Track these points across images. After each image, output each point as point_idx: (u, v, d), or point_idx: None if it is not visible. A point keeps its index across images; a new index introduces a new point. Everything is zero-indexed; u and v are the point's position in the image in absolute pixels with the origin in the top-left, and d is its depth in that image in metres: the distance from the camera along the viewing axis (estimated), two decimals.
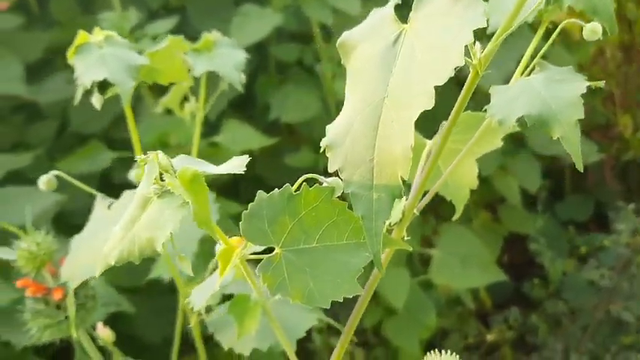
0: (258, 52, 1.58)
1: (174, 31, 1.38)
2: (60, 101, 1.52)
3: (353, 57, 0.41)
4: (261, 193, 0.40)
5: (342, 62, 0.42)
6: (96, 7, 1.58)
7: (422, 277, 1.65)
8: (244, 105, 1.68)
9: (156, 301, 1.42)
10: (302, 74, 1.60)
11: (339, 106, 1.38)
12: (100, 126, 1.50)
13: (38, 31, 1.50)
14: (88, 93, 1.56)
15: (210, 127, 1.39)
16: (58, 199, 1.15)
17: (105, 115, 1.51)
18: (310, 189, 0.40)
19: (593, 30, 0.46)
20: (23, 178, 1.36)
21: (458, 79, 0.39)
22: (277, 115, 1.53)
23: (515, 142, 1.90)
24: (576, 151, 0.42)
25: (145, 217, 0.37)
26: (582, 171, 0.41)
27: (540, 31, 0.49)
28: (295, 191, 0.40)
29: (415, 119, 0.35)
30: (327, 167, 1.33)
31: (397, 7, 0.41)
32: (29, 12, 1.58)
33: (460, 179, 0.58)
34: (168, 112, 1.46)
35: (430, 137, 0.53)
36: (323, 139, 0.40)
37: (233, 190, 1.81)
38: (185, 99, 0.74)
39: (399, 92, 0.37)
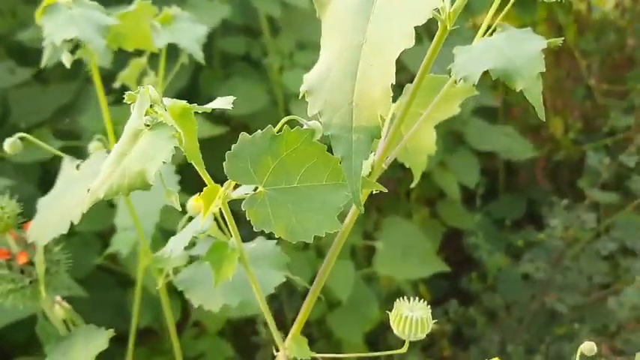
0: (204, 44, 1.58)
1: None
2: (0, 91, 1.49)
3: (328, 8, 0.42)
4: (244, 135, 0.41)
5: (317, 15, 0.44)
6: None
7: (365, 270, 1.67)
8: (188, 98, 1.67)
9: (101, 294, 1.40)
10: (248, 68, 1.61)
11: (286, 99, 1.40)
12: (42, 117, 1.47)
13: None
14: (37, 78, 1.52)
15: None
16: (7, 184, 1.13)
17: (47, 106, 1.48)
18: (291, 130, 0.42)
19: None
20: None
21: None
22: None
23: (454, 138, 1.95)
24: (538, 101, 0.44)
25: (136, 150, 0.37)
26: (544, 119, 0.43)
27: None
28: (277, 132, 0.41)
29: (395, 58, 0.37)
30: None
31: None
32: None
33: (419, 144, 0.60)
34: (116, 102, 1.45)
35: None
36: (301, 86, 0.41)
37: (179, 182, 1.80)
38: (143, 73, 0.74)
39: (377, 36, 0.38)
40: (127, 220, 0.65)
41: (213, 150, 1.59)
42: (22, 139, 0.63)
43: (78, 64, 1.44)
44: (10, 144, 0.63)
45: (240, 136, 0.41)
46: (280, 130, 0.42)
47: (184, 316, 1.48)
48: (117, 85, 0.74)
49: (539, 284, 1.92)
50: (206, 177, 0.39)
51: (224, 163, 0.40)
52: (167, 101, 0.38)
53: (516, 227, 2.09)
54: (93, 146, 0.71)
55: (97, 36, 0.55)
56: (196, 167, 0.37)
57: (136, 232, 0.64)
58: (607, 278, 1.93)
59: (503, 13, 0.51)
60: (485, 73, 0.47)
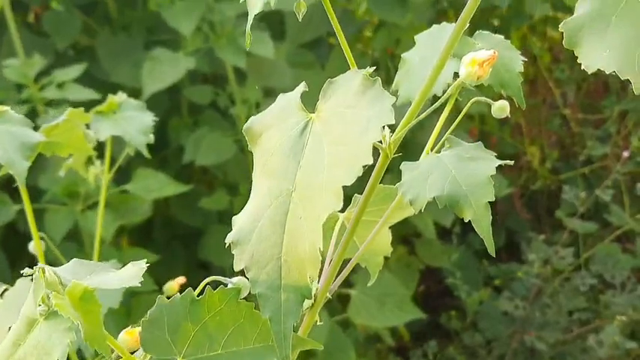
0: (171, 93, 1.55)
1: (84, 75, 1.34)
2: None
3: (259, 144, 0.39)
4: (161, 299, 0.38)
5: (249, 147, 0.41)
6: (1, 50, 1.52)
7: (341, 316, 1.64)
8: (157, 147, 1.64)
9: None
10: (216, 116, 1.58)
11: None
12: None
13: None
14: None
15: (122, 174, 1.35)
16: None
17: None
18: (214, 292, 0.38)
19: (501, 108, 0.46)
20: None
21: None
22: (191, 157, 1.50)
23: None
24: (488, 234, 0.42)
25: (31, 341, 0.34)
26: (494, 256, 0.40)
27: (449, 105, 0.49)
28: (198, 295, 0.38)
29: (323, 220, 0.34)
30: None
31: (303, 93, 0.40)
32: None
33: (375, 247, 0.57)
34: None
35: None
36: (228, 235, 0.38)
37: (146, 233, 1.77)
38: (90, 160, 0.71)
39: (306, 187, 0.36)
40: None
41: (181, 201, 1.57)
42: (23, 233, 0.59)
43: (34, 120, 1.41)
44: None
45: (157, 299, 0.38)
46: (202, 291, 0.38)
47: None
48: (62, 173, 0.71)
49: (519, 321, 1.90)
50: (123, 353, 0.36)
51: (138, 332, 0.37)
52: (68, 276, 0.34)
53: (495, 258, 2.08)
54: (32, 246, 0.67)
55: (19, 158, 0.51)
56: (102, 352, 0.33)
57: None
58: (587, 314, 1.92)
59: (454, 125, 0.48)
60: None
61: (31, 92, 1.20)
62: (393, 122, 0.34)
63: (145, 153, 0.66)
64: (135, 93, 1.52)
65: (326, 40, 1.98)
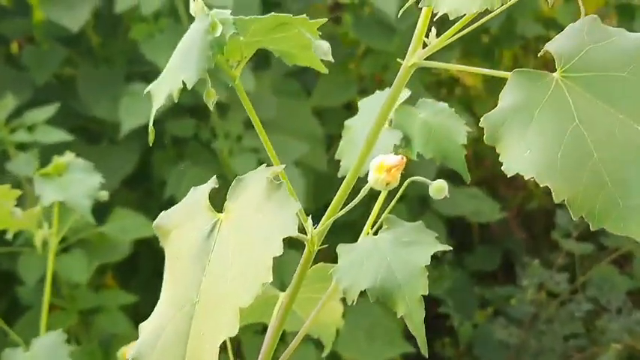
0: (155, 125, 1.53)
1: (62, 109, 1.32)
2: None
3: (168, 243, 0.37)
4: None
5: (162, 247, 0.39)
6: None
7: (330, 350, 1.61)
8: (140, 180, 1.62)
9: None
10: (199, 150, 1.56)
11: None
12: None
13: None
14: None
15: (101, 211, 1.33)
16: None
17: None
18: None
19: (438, 188, 0.43)
20: None
21: None
22: (173, 192, 1.48)
23: (420, 203, 1.90)
24: (421, 332, 0.39)
25: None
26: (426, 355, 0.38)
27: (385, 192, 0.47)
28: None
29: (220, 342, 0.31)
30: None
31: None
32: None
33: (325, 319, 0.55)
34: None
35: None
36: (133, 347, 0.35)
37: (131, 266, 1.74)
38: (38, 224, 0.69)
39: (210, 299, 0.33)
40: None
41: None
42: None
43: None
44: None
45: None
46: None
47: None
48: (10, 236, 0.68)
49: (514, 348, 1.87)
50: None
51: None
52: None
53: (491, 279, 2.06)
54: None
55: None
56: None
57: None
58: (583, 340, 1.89)
59: (392, 205, 0.46)
60: None
61: (2, 135, 1.17)
62: (295, 234, 0.32)
63: (90, 218, 0.64)
64: (115, 127, 1.51)
65: (310, 69, 1.96)
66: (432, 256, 1.52)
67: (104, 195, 0.68)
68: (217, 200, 0.47)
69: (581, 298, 1.93)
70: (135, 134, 1.43)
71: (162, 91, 0.41)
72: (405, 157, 0.36)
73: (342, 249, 0.44)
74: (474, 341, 1.97)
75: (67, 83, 1.63)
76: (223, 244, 0.34)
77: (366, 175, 0.39)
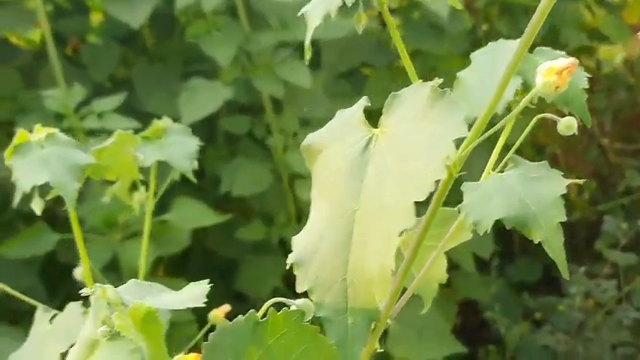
0: (207, 123, 1.55)
1: (121, 105, 1.34)
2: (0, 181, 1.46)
3: (318, 162, 0.38)
4: (223, 322, 0.36)
5: (307, 166, 0.39)
6: (40, 81, 1.54)
7: (379, 350, 1.61)
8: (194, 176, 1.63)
9: None
10: (252, 146, 1.57)
11: (290, 178, 1.36)
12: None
13: None
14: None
15: (160, 203, 1.34)
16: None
17: (46, 193, 1.45)
18: (278, 314, 0.37)
19: (567, 125, 0.44)
20: None
21: None
22: (228, 188, 1.49)
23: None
24: (560, 256, 0.40)
25: None
26: (567, 278, 0.38)
27: (510, 124, 0.48)
28: (262, 317, 0.36)
29: (396, 237, 0.32)
30: (280, 241, 1.28)
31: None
32: None
33: (430, 274, 0.55)
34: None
35: None
36: (290, 255, 0.36)
37: (181, 264, 1.76)
38: (134, 186, 0.70)
39: (372, 205, 0.34)
40: None
41: (217, 232, 1.55)
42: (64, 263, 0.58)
43: None
44: None
45: (218, 326, 0.36)
46: (265, 314, 0.37)
47: None
48: (106, 199, 0.70)
49: (561, 356, 1.85)
50: None
51: (201, 357, 0.35)
52: (127, 295, 0.33)
53: (534, 291, 2.04)
54: (78, 272, 0.66)
55: (69, 179, 0.51)
56: None
57: None
58: (631, 348, 1.86)
59: (516, 146, 0.46)
60: None
61: (72, 122, 1.20)
62: (466, 135, 0.33)
63: (192, 178, 0.65)
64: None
65: (360, 70, 1.98)
66: (478, 262, 1.51)
67: (195, 165, 0.69)
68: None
69: (628, 306, 1.91)
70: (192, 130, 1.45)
71: (317, 11, 0.41)
72: (576, 60, 0.36)
73: (467, 187, 0.45)
74: (519, 349, 1.96)
75: (122, 82, 1.66)
76: (382, 155, 0.35)
77: None
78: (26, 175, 0.50)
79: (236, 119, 1.55)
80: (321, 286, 0.34)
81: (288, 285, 1.73)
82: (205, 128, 1.59)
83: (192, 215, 1.25)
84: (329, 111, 1.42)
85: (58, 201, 1.48)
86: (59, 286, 1.50)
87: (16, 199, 0.54)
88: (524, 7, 2.14)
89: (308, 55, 0.43)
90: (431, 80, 0.41)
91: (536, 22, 0.38)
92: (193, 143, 0.66)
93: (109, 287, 0.34)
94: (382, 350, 1.40)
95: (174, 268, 1.60)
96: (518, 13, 2.14)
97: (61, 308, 1.59)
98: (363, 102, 0.38)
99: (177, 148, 0.65)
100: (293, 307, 0.37)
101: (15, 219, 1.53)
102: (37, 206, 0.56)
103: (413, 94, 0.36)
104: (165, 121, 0.68)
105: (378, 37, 1.91)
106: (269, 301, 0.37)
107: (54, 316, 0.52)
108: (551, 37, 2.14)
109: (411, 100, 0.36)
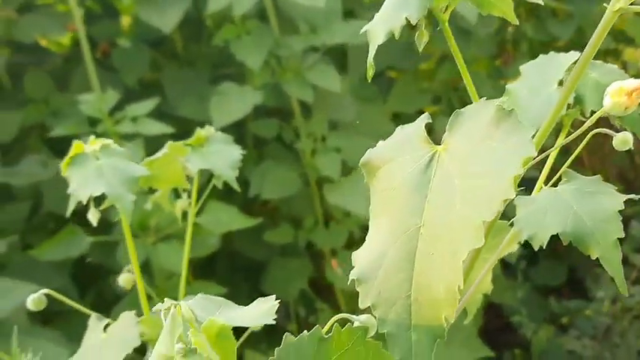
0: (236, 127, 1.56)
1: (153, 111, 1.36)
2: (32, 183, 1.48)
3: (378, 178, 0.38)
4: (288, 337, 0.37)
5: (366, 182, 0.40)
6: (71, 85, 1.55)
7: None
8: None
9: None
10: (281, 150, 1.58)
11: (318, 182, 1.36)
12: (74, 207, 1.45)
13: (11, 110, 1.46)
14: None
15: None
16: (33, 290, 1.10)
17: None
18: (342, 330, 0.37)
19: (623, 140, 0.44)
20: None
21: None
22: (256, 191, 1.50)
23: None
24: (619, 274, 0.40)
25: None
26: (626, 294, 0.38)
27: (562, 136, 0.48)
28: (326, 333, 0.37)
29: (464, 255, 0.32)
30: (307, 244, 1.28)
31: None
32: (1, 89, 1.54)
33: (478, 286, 0.55)
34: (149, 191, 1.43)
35: None
36: (352, 271, 0.37)
37: (209, 267, 1.77)
38: (175, 194, 0.71)
39: (437, 222, 0.34)
40: None
41: (245, 235, 1.56)
42: (46, 295, 0.59)
43: None
44: (34, 301, 0.59)
45: (284, 338, 0.37)
46: (330, 330, 0.37)
47: None
48: (148, 206, 0.70)
49: None
50: None
51: None
52: (198, 310, 0.34)
53: (557, 294, 2.03)
54: (122, 279, 0.67)
55: (125, 191, 0.52)
56: None
57: None
58: None
59: (571, 159, 0.46)
60: None
61: (107, 126, 1.22)
62: (534, 154, 0.33)
63: (236, 187, 0.66)
64: (202, 127, 1.53)
65: (386, 74, 1.98)
66: (504, 266, 1.51)
67: (236, 173, 0.70)
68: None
69: None
70: None
71: (380, 30, 0.42)
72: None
73: (520, 201, 0.45)
74: (544, 354, 1.95)
75: (151, 86, 1.68)
76: (446, 172, 0.35)
77: None
78: (83, 187, 0.51)
79: (265, 123, 1.56)
80: (385, 302, 0.35)
81: (313, 288, 1.74)
82: (234, 132, 1.60)
83: (223, 219, 1.26)
84: (357, 114, 1.43)
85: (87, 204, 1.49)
86: (89, 287, 1.52)
87: (70, 209, 0.55)
88: (550, 9, 2.13)
89: (371, 72, 0.43)
90: (460, 85, 0.41)
91: (598, 37, 0.39)
92: (236, 152, 0.67)
93: (182, 304, 0.35)
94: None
95: (201, 270, 1.61)
96: (544, 15, 2.13)
97: (92, 309, 1.60)
98: (425, 119, 0.39)
99: (221, 156, 0.66)
100: (357, 323, 0.38)
101: (45, 221, 1.55)
102: (93, 217, 0.57)
103: (477, 113, 0.36)
104: (207, 130, 0.69)
105: (404, 41, 1.90)
106: (333, 317, 0.37)
107: (107, 325, 0.53)
108: (577, 40, 2.13)
109: (475, 119, 0.36)
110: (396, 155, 0.38)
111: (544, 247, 0.42)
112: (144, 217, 1.25)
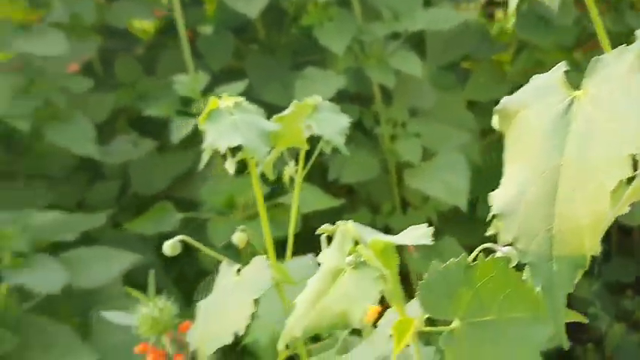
0: None
1: (240, 95, 1.39)
2: (121, 162, 1.54)
3: (514, 124, 0.40)
4: (435, 264, 0.39)
5: (500, 130, 0.42)
6: (158, 68, 1.61)
7: None
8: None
9: None
10: (360, 136, 1.60)
11: (398, 167, 1.38)
12: (161, 187, 1.51)
13: (104, 94, 1.53)
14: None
15: (274, 187, 1.39)
16: (132, 259, 1.15)
17: (166, 175, 1.52)
18: (486, 259, 0.40)
19: None
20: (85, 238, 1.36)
21: None
22: (336, 175, 1.53)
23: None
24: None
25: (337, 290, 0.36)
26: None
27: None
28: (472, 262, 0.39)
29: (611, 187, 0.34)
30: (384, 229, 1.30)
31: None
32: (94, 74, 1.61)
33: None
34: (238, 172, 1.47)
35: None
36: (492, 208, 0.39)
37: (282, 250, 1.80)
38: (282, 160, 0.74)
39: (579, 159, 0.36)
40: (270, 310, 0.64)
41: (322, 218, 1.59)
42: (181, 241, 0.63)
43: (194, 133, 1.48)
44: (170, 246, 0.63)
45: (430, 265, 0.39)
46: (475, 259, 0.40)
47: None
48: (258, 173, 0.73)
49: None
50: (402, 313, 0.37)
51: (417, 294, 0.38)
52: (365, 232, 0.37)
53: (630, 291, 2.01)
54: (236, 237, 0.70)
55: (260, 143, 0.55)
56: (393, 305, 0.36)
57: (278, 323, 0.63)
58: None
59: None
60: None
61: (200, 106, 1.26)
62: None
63: (344, 151, 0.69)
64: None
65: (460, 64, 1.98)
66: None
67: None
68: None
69: None
70: None
71: None
72: None
73: None
74: (617, 349, 1.93)
75: (233, 73, 1.72)
76: (586, 115, 0.37)
77: None
78: (221, 138, 0.55)
79: (345, 108, 1.58)
80: (526, 235, 0.37)
81: None
82: None
83: (308, 198, 1.29)
84: (436, 102, 1.44)
85: (178, 182, 1.53)
86: (173, 263, 1.57)
87: (204, 160, 0.59)
88: (629, 2, 2.10)
89: (511, 20, 0.45)
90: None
91: None
92: (344, 120, 0.70)
93: (349, 222, 0.38)
94: None
95: (282, 251, 1.64)
96: (623, 8, 2.10)
97: (175, 283, 1.65)
98: (563, 66, 0.40)
99: (330, 124, 0.68)
100: (499, 254, 0.40)
101: (132, 202, 1.61)
102: (230, 166, 0.60)
103: (615, 60, 0.38)
104: (315, 98, 0.72)
105: (482, 30, 1.91)
106: (479, 246, 0.40)
107: (239, 270, 0.56)
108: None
109: (614, 65, 0.37)
110: (534, 101, 0.40)
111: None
112: (231, 195, 1.29)
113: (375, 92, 1.54)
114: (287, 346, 0.69)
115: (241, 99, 0.59)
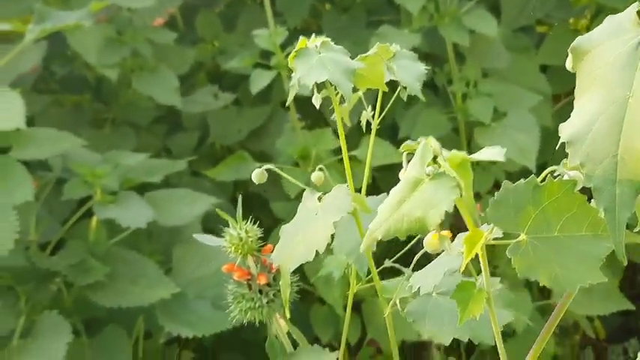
0: None
1: None
2: (199, 113, 1.61)
3: (586, 60, 0.43)
4: (506, 183, 0.43)
5: (572, 67, 0.45)
6: (238, 24, 1.67)
7: (540, 302, 1.63)
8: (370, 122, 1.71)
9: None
10: (429, 95, 1.63)
11: (469, 126, 1.40)
12: (238, 138, 1.57)
13: (185, 48, 1.59)
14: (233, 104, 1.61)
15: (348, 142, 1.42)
16: (214, 201, 1.22)
17: (243, 127, 1.58)
18: (554, 181, 0.43)
19: None
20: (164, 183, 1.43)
21: None
22: (406, 133, 1.56)
23: None
24: None
25: (416, 197, 0.40)
26: None
27: None
28: (540, 182, 0.43)
29: None
30: None
31: None
32: (177, 29, 1.68)
33: None
34: (309, 127, 1.52)
35: None
36: (562, 134, 0.42)
37: None
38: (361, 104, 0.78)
39: None
40: (344, 243, 0.69)
41: (387, 174, 1.63)
42: (268, 170, 0.68)
43: (270, 88, 1.53)
44: (257, 175, 0.68)
45: (502, 184, 0.43)
46: (543, 179, 0.43)
47: (361, 335, 1.52)
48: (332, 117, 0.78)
49: None
50: (472, 225, 0.41)
51: (487, 210, 0.42)
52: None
53: None
54: (315, 176, 0.75)
55: (344, 80, 0.59)
56: (465, 216, 0.40)
57: (351, 256, 0.68)
58: None
59: None
60: None
61: (279, 59, 1.31)
62: None
63: (421, 97, 0.72)
64: None
65: (534, 27, 1.97)
66: None
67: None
68: None
69: None
70: None
71: None
72: None
73: None
74: None
75: (308, 31, 1.76)
76: None
77: None
78: (308, 75, 0.59)
79: None
80: (592, 160, 0.40)
81: (453, 231, 1.78)
82: None
83: (378, 153, 1.33)
84: (509, 63, 1.44)
85: (254, 135, 1.59)
86: (247, 213, 1.64)
87: (291, 96, 0.63)
88: None
89: None
90: None
91: None
92: (421, 67, 0.73)
93: (430, 138, 0.42)
94: (546, 304, 1.42)
95: None
96: None
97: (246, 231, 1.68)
98: (636, 6, 0.43)
99: (407, 70, 0.72)
100: (566, 177, 0.44)
101: (209, 152, 1.68)
102: (316, 101, 0.65)
103: None
104: (393, 47, 0.75)
105: None
106: (548, 169, 0.43)
107: (320, 197, 0.61)
108: None
109: None
110: (607, 39, 0.43)
111: None
112: (304, 148, 1.34)
113: (449, 51, 1.56)
114: (359, 279, 0.74)
115: (328, 39, 0.63)
